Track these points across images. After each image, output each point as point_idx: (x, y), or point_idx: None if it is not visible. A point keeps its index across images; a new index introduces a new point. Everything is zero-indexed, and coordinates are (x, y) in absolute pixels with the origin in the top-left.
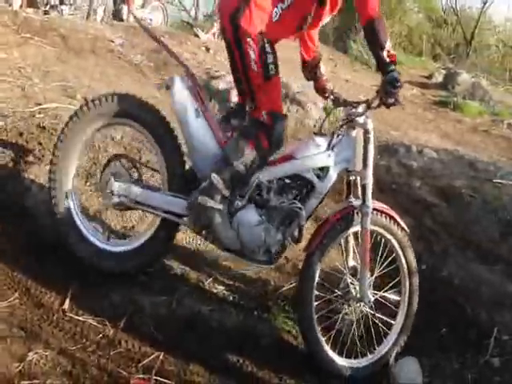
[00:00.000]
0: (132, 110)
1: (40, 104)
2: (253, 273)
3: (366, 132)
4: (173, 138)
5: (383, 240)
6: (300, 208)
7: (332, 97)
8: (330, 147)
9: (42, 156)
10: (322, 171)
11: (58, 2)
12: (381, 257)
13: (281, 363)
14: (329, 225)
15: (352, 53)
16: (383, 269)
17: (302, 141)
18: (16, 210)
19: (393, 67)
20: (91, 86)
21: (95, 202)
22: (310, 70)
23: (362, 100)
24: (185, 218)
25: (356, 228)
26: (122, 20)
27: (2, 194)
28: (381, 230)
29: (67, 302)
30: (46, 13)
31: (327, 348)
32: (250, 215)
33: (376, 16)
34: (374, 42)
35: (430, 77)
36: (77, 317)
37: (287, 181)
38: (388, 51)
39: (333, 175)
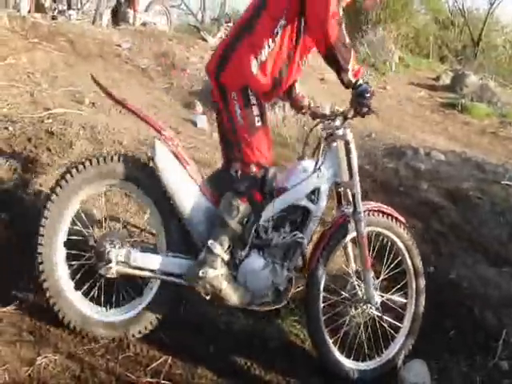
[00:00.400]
0: (126, 171)
1: (48, 109)
2: None
3: (347, 143)
4: (169, 198)
5: (385, 239)
6: (302, 237)
7: (309, 112)
8: (316, 168)
9: (51, 161)
10: (314, 194)
11: (65, 7)
12: (387, 258)
13: (289, 366)
14: (326, 239)
15: (359, 56)
16: (389, 271)
17: (288, 170)
18: (24, 216)
19: (360, 82)
20: (99, 91)
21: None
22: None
23: (338, 112)
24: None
25: (352, 235)
26: (127, 22)
27: (10, 199)
28: (380, 229)
29: None
30: (53, 18)
31: (335, 350)
32: (255, 262)
33: (334, 42)
34: (336, 67)
35: (437, 79)
36: None
37: (283, 214)
38: (352, 69)
39: (325, 194)
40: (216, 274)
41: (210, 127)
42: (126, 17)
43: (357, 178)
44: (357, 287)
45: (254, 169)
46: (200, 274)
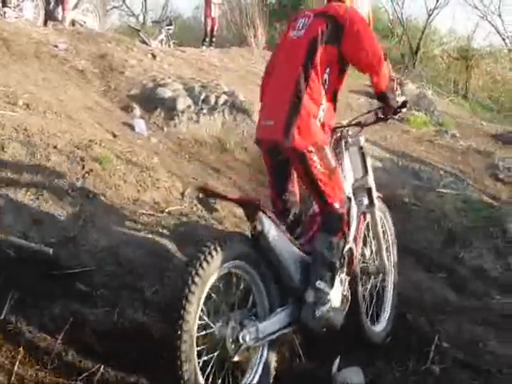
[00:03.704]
0: (242, 250)
1: None
2: None
3: (360, 148)
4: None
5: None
6: (350, 240)
7: None
8: (343, 175)
9: None
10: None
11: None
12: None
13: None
14: (360, 234)
15: None
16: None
17: None
18: None
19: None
20: (34, 92)
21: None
22: None
23: (350, 123)
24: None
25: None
26: (56, 20)
27: None
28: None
29: (5, 312)
30: None
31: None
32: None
33: (388, 80)
34: (389, 97)
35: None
36: (15, 328)
37: None
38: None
39: (352, 194)
40: (328, 308)
41: (148, 131)
42: (54, 15)
43: (371, 175)
44: (373, 262)
45: (337, 206)
46: (317, 314)
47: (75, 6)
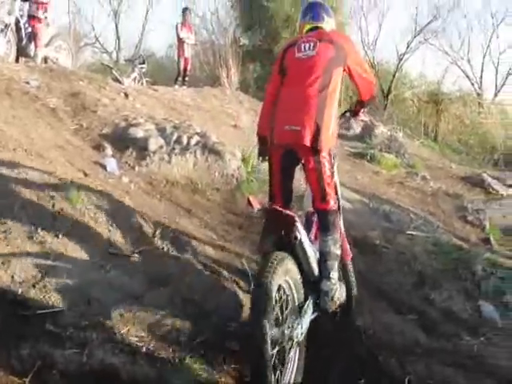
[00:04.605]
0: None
1: None
2: (168, 322)
3: (334, 155)
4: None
5: None
6: None
7: None
8: None
9: None
10: None
11: None
12: None
13: None
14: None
15: None
16: None
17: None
18: None
19: None
20: (4, 129)
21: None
22: None
23: None
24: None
25: None
26: (28, 57)
27: None
28: None
29: None
30: None
31: None
32: None
33: (370, 100)
34: (371, 101)
35: (348, 128)
36: None
37: None
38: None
39: None
40: (338, 290)
41: (120, 171)
42: (26, 51)
43: (336, 173)
44: None
45: (332, 202)
46: (335, 298)
47: (48, 43)
